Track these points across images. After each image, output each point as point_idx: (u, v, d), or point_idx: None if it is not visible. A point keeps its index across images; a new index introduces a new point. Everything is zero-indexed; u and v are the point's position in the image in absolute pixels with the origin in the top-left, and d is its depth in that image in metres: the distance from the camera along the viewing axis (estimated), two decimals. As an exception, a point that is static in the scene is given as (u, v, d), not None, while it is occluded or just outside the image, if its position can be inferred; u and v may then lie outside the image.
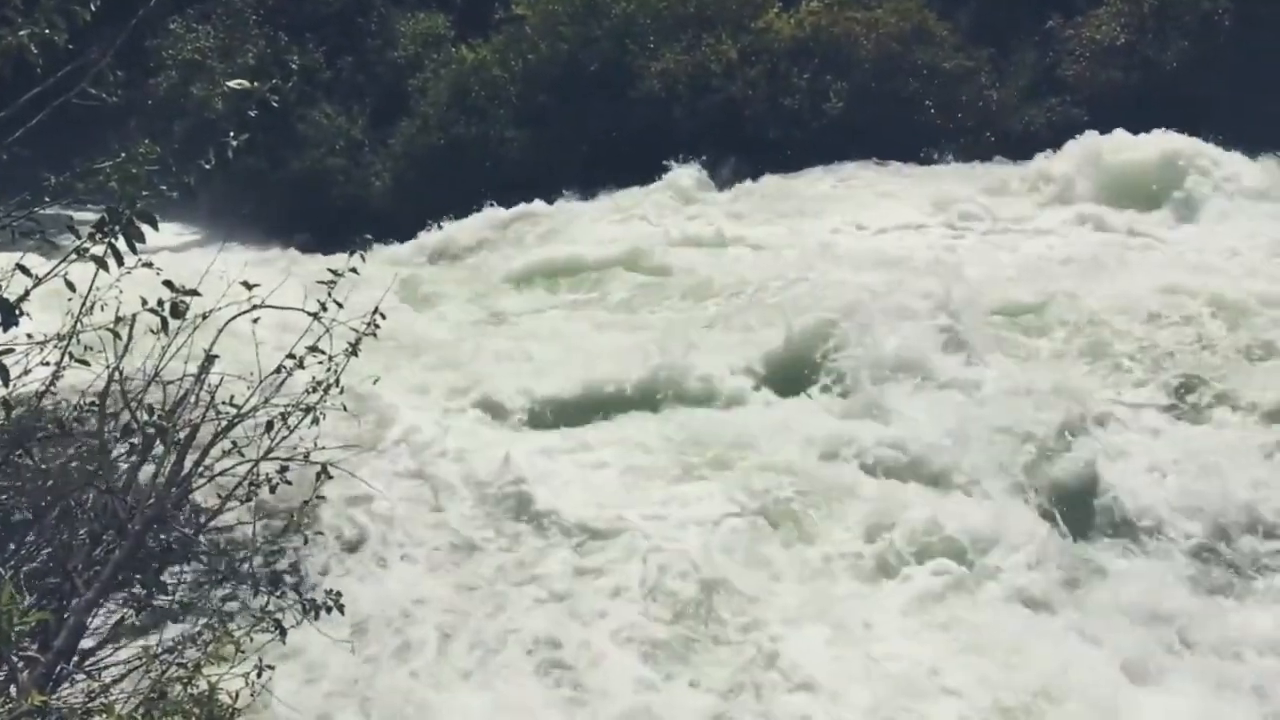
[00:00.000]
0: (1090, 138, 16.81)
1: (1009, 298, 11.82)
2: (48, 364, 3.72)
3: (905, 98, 19.74)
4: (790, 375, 10.65)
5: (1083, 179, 16.15)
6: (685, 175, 18.05)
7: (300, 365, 3.92)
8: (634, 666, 6.82)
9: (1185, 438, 9.40)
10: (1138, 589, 7.60)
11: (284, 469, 3.91)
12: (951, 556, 7.78)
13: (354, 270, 3.93)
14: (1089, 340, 10.94)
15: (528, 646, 6.97)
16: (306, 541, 4.42)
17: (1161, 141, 16.09)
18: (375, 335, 4.08)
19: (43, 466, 3.77)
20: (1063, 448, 8.98)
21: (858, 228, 15.41)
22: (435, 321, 12.94)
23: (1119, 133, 16.70)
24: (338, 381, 4.01)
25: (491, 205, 17.96)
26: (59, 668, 3.28)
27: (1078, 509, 8.52)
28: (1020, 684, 6.60)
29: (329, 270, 3.90)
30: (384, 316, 4.15)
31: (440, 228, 17.84)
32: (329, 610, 3.93)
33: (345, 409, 4.32)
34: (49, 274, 3.24)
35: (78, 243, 3.16)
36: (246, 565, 3.91)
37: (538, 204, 17.79)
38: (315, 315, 3.86)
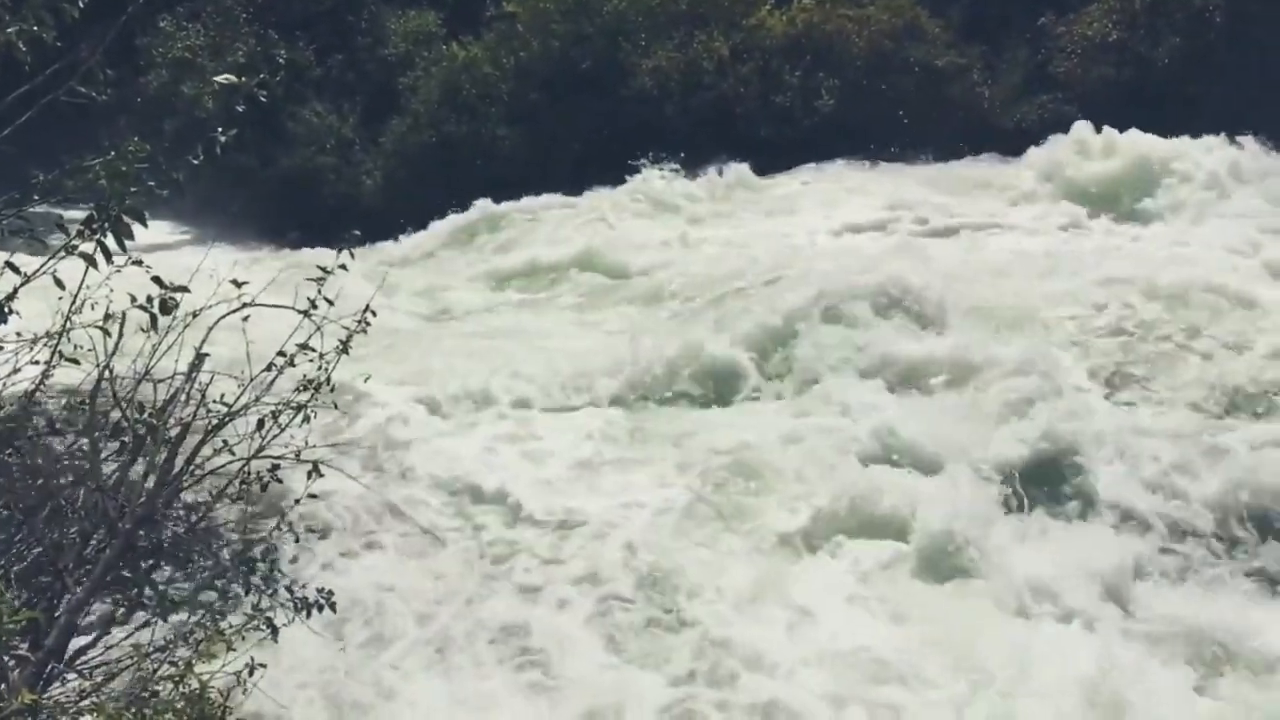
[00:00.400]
0: (1064, 137, 17.02)
1: (963, 292, 11.90)
2: (37, 362, 3.70)
3: (897, 95, 19.75)
4: (748, 369, 10.78)
5: (1056, 178, 16.33)
6: (655, 176, 18.07)
7: (291, 363, 3.91)
8: (595, 654, 6.92)
9: (1116, 420, 9.57)
10: (1079, 557, 7.78)
11: (275, 467, 3.91)
12: (900, 535, 8.00)
13: (343, 267, 3.92)
14: (1029, 332, 11.09)
15: (491, 635, 7.07)
16: (298, 540, 4.41)
17: (1135, 141, 16.27)
18: (365, 332, 4.07)
19: (32, 465, 3.76)
20: (1015, 428, 9.18)
21: (826, 226, 15.48)
22: (392, 316, 12.99)
23: (1080, 130, 16.89)
24: (329, 379, 4.00)
25: (454, 210, 17.96)
26: (50, 666, 3.27)
27: (1029, 486, 8.70)
28: (974, 663, 6.75)
29: (318, 267, 3.89)
30: (374, 314, 4.15)
31: (399, 241, 17.82)
32: (320, 609, 3.92)
33: (336, 406, 4.32)
34: (37, 271, 3.23)
35: (67, 240, 3.15)
36: (237, 563, 3.90)
37: (505, 204, 17.77)
38: (305, 313, 3.85)
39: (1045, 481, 8.72)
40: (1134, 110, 17.45)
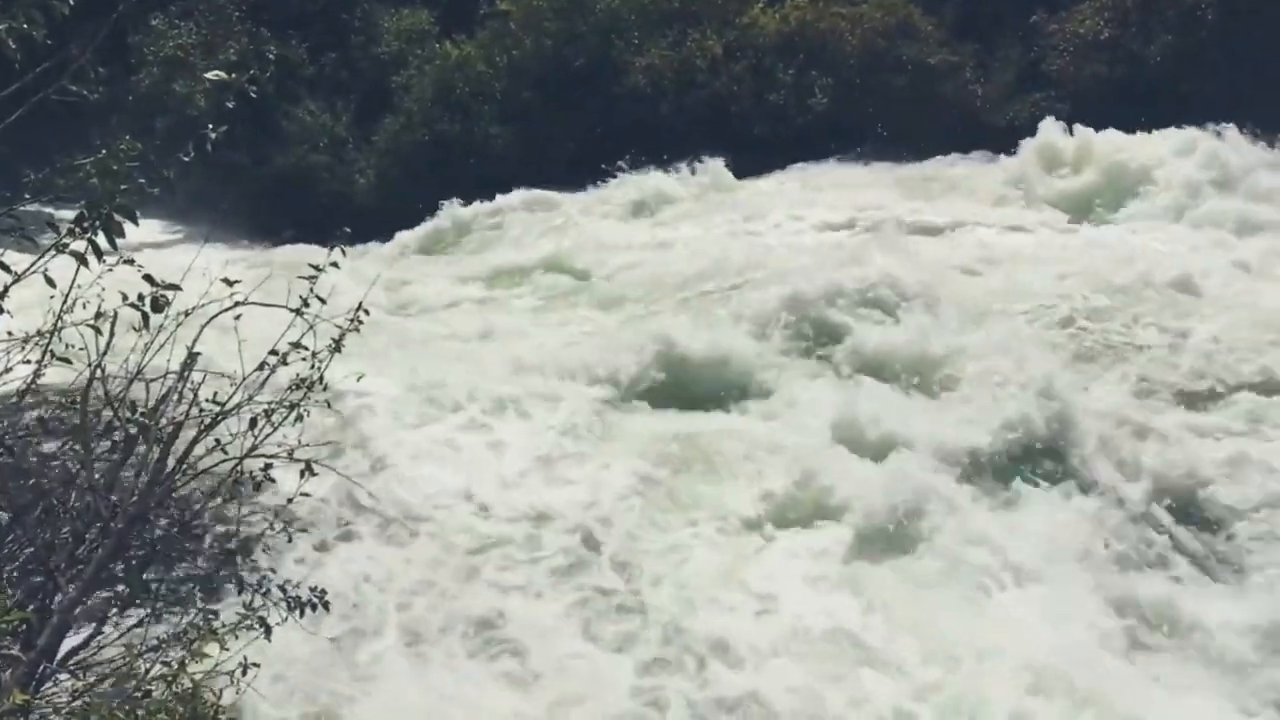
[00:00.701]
0: (1035, 140, 17.07)
1: (931, 287, 11.95)
2: (29, 362, 3.69)
3: (890, 93, 19.76)
4: (715, 364, 10.84)
5: (1027, 189, 16.36)
6: (630, 179, 18.01)
7: (284, 362, 3.90)
8: (566, 643, 7.02)
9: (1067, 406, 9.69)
10: (1039, 537, 8.07)
11: (268, 466, 3.90)
12: (862, 519, 8.14)
13: (334, 265, 3.91)
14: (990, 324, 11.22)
15: (465, 626, 7.15)
16: (290, 539, 4.41)
17: (1110, 143, 16.37)
18: (358, 330, 4.06)
19: (24, 464, 3.75)
20: (979, 415, 9.41)
21: (798, 225, 15.47)
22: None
23: (1048, 133, 16.94)
24: (321, 378, 3.99)
25: (427, 219, 17.89)
26: (42, 666, 3.26)
27: (991, 469, 8.93)
28: (941, 645, 6.89)
29: (310, 265, 3.88)
30: (368, 312, 4.14)
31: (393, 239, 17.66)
32: (314, 608, 3.92)
33: (330, 405, 4.31)
34: (28, 270, 3.21)
35: (58, 239, 3.14)
36: (230, 562, 3.90)
37: (473, 206, 17.67)
38: (297, 311, 3.84)
39: (1005, 465, 8.95)
40: (1126, 107, 17.48)
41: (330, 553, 7.81)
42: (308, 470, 3.96)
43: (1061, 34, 20.18)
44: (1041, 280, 12.23)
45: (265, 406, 3.83)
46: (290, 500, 4.12)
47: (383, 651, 6.88)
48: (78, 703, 3.33)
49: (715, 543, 8.09)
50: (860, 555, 7.89)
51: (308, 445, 3.92)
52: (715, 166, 18.08)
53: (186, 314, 3.73)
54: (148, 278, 3.37)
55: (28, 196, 3.45)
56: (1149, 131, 16.68)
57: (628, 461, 9.09)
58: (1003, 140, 18.28)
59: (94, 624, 3.70)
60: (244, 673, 3.72)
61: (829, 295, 11.43)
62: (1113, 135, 16.61)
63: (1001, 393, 9.57)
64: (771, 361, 10.77)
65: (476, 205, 17.63)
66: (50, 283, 3.30)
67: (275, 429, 3.85)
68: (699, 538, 8.14)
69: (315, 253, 4.07)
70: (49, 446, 3.88)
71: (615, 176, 18.31)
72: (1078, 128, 17.18)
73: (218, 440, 3.81)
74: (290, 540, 4.43)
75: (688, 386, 10.50)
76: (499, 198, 17.72)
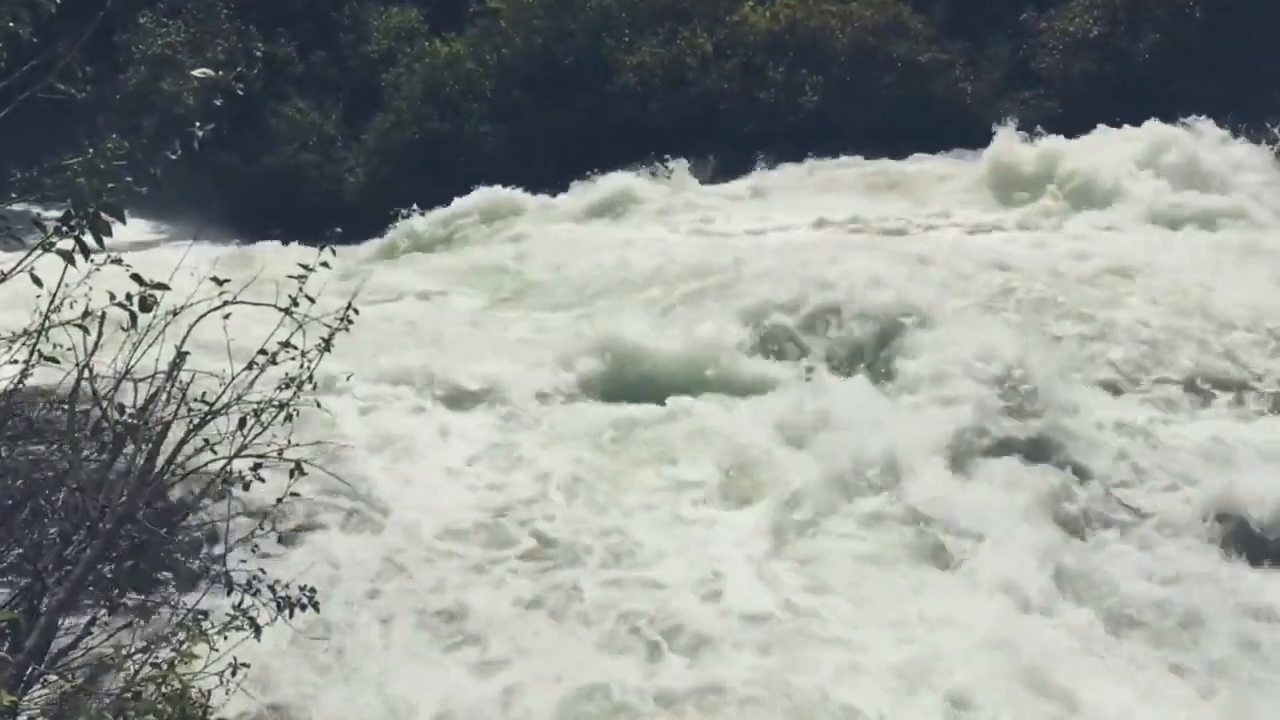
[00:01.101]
0: (990, 151, 17.07)
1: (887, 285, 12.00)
2: (16, 362, 3.67)
3: (880, 91, 19.79)
4: (667, 359, 10.93)
5: (988, 188, 16.46)
6: (597, 183, 17.93)
7: (273, 361, 3.89)
8: (521, 630, 7.05)
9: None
10: (986, 511, 8.22)
11: (257, 466, 3.89)
12: (805, 498, 8.27)
13: (324, 265, 3.90)
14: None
15: (425, 617, 7.18)
16: (281, 539, 4.40)
17: (1074, 159, 16.38)
18: (348, 329, 4.06)
19: (12, 465, 3.73)
20: (931, 402, 9.72)
21: (763, 225, 15.46)
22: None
23: (1006, 135, 17.06)
24: (311, 377, 3.99)
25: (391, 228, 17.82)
26: (30, 668, 3.25)
27: (947, 450, 9.08)
28: (900, 624, 6.97)
29: (299, 265, 3.87)
30: (357, 311, 4.13)
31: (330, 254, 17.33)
32: (303, 608, 3.91)
33: (320, 405, 4.30)
34: (15, 269, 3.20)
35: (44, 238, 3.12)
36: (219, 563, 3.89)
37: (436, 210, 17.57)
38: (287, 310, 3.83)
39: (954, 445, 9.10)
40: (1116, 105, 17.54)
41: (292, 545, 7.79)
42: (298, 470, 3.96)
43: (1051, 32, 20.25)
44: (1000, 276, 12.45)
45: (255, 406, 3.82)
46: (280, 500, 4.11)
47: (346, 641, 6.87)
48: (67, 703, 3.31)
49: (666, 528, 8.21)
50: (805, 534, 8.02)
51: (297, 445, 3.91)
52: (680, 168, 18.03)
53: (175, 313, 3.71)
54: (135, 277, 3.36)
55: (14, 196, 3.43)
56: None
57: (579, 451, 9.27)
58: (992, 138, 18.30)
59: (82, 625, 3.68)
60: (233, 673, 3.72)
61: (792, 295, 11.53)
62: (1081, 141, 16.68)
63: (955, 384, 9.80)
64: (728, 357, 10.86)
65: (435, 212, 17.44)
66: (37, 282, 3.28)
67: (265, 428, 3.85)
68: (648, 524, 8.24)
69: (283, 250, 4.05)
70: (37, 447, 3.86)
71: (597, 179, 18.25)
72: (1040, 136, 17.24)
73: (206, 440, 3.80)
74: (280, 540, 4.41)
75: (640, 382, 10.58)
76: (455, 201, 17.54)
